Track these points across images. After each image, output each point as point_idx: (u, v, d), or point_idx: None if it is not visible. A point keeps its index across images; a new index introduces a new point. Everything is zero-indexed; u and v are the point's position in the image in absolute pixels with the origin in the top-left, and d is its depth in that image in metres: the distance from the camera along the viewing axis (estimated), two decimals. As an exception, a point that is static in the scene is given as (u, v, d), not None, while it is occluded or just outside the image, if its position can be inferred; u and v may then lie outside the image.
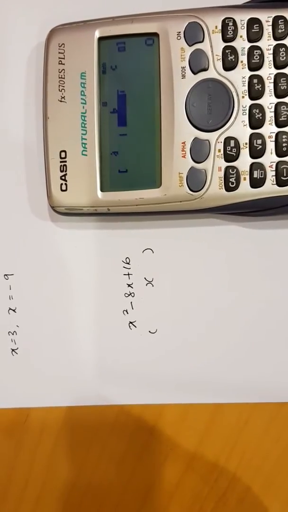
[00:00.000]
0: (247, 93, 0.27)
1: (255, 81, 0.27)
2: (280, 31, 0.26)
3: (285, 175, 0.26)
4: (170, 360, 0.30)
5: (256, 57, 0.26)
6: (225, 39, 0.27)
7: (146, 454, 0.30)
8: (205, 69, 0.27)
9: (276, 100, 0.27)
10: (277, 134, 0.27)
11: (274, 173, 0.27)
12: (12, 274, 0.30)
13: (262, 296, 0.29)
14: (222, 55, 0.27)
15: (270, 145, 0.27)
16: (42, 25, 0.29)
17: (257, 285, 0.29)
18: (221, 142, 0.27)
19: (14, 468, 0.31)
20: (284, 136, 0.26)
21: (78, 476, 0.30)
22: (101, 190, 0.28)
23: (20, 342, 0.30)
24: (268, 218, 0.29)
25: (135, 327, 0.30)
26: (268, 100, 0.27)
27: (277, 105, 0.26)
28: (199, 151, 0.27)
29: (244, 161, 0.27)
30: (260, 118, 0.27)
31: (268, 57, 0.27)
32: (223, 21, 0.27)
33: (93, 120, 0.27)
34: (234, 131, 0.27)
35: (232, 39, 0.27)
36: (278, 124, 0.26)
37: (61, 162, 0.28)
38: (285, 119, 0.26)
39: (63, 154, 0.28)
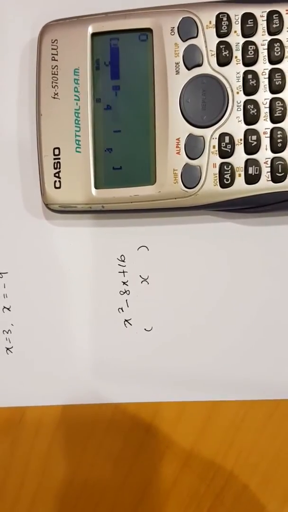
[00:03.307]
0: (241, 89, 0.27)
1: (249, 76, 0.26)
2: (274, 26, 0.26)
3: (280, 171, 0.26)
4: (165, 358, 0.30)
5: (251, 52, 0.26)
6: (219, 34, 0.27)
7: (142, 452, 0.30)
8: (199, 65, 0.27)
9: (270, 96, 0.26)
10: (272, 130, 0.26)
11: (269, 169, 0.26)
12: (7, 272, 0.30)
13: (258, 293, 0.29)
14: (216, 50, 0.27)
15: (265, 141, 0.26)
16: (35, 21, 0.28)
17: (253, 282, 0.29)
18: (215, 138, 0.27)
19: (10, 467, 0.31)
20: (279, 132, 0.26)
21: (75, 475, 0.30)
22: (95, 187, 0.27)
23: (14, 341, 0.30)
24: (263, 214, 0.29)
25: (131, 325, 0.30)
26: (263, 96, 0.26)
27: (272, 101, 0.26)
28: (193, 147, 0.27)
29: (239, 158, 0.27)
30: (255, 114, 0.26)
31: (263, 52, 0.26)
32: (217, 16, 0.26)
33: (86, 116, 0.27)
34: (229, 127, 0.27)
35: (226, 34, 0.26)
36: (273, 119, 0.26)
37: (54, 159, 0.27)
38: (280, 114, 0.26)
39: (56, 151, 0.27)
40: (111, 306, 0.30)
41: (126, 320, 0.30)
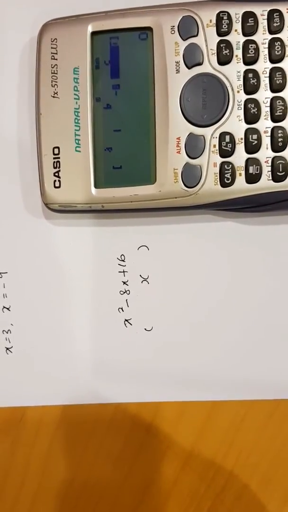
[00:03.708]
0: (242, 88, 0.26)
1: (250, 75, 0.26)
2: (275, 24, 0.26)
3: (281, 170, 0.26)
4: (166, 358, 0.29)
5: (251, 51, 0.26)
6: (219, 33, 0.26)
7: (143, 452, 0.30)
8: (200, 64, 0.27)
9: (271, 95, 0.26)
10: (272, 129, 0.26)
11: (269, 168, 0.26)
12: (6, 272, 0.30)
13: (258, 292, 0.29)
14: (217, 49, 0.26)
15: (266, 140, 0.26)
16: (35, 20, 0.28)
17: (253, 281, 0.29)
18: (216, 137, 0.27)
19: (10, 467, 0.30)
20: (279, 131, 0.26)
21: (75, 475, 0.30)
22: (95, 186, 0.27)
23: (14, 341, 0.30)
24: (264, 214, 0.28)
25: (131, 324, 0.30)
26: (264, 95, 0.26)
27: (273, 100, 0.26)
28: (194, 146, 0.27)
29: (239, 157, 0.26)
30: (256, 113, 0.26)
31: (264, 51, 0.26)
32: (218, 15, 0.26)
33: (86, 116, 0.27)
34: (229, 126, 0.27)
35: (227, 33, 0.26)
36: (274, 119, 0.26)
37: (54, 158, 0.27)
38: (281, 113, 0.26)
39: (56, 151, 0.27)
40: (111, 306, 0.30)
41: (126, 320, 0.30)
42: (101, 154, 0.28)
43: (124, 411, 0.30)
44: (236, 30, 0.26)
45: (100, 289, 0.30)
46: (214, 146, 0.27)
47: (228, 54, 0.26)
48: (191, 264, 0.29)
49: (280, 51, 0.26)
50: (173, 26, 0.27)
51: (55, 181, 0.28)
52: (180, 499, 0.30)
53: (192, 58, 0.27)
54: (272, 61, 0.26)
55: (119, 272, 0.30)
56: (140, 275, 0.30)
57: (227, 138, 0.26)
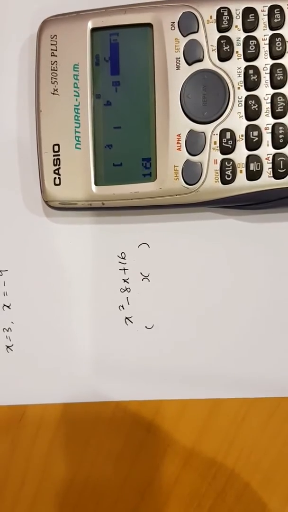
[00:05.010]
0: (242, 84, 0.26)
1: (250, 71, 0.26)
2: (276, 20, 0.26)
3: (281, 167, 0.26)
4: (167, 356, 0.29)
5: (252, 47, 0.26)
6: (220, 29, 0.26)
7: (143, 451, 0.30)
8: (200, 60, 0.26)
9: (272, 91, 0.26)
10: (273, 126, 0.26)
11: (270, 165, 0.26)
12: (6, 270, 0.30)
13: (260, 290, 0.29)
14: (217, 45, 0.26)
15: (267, 137, 0.26)
16: (34, 16, 0.28)
17: (255, 278, 0.29)
18: (216, 134, 0.26)
19: (10, 466, 0.30)
20: (280, 128, 0.26)
21: (75, 474, 0.30)
22: (96, 184, 0.27)
23: (15, 339, 0.30)
24: (265, 211, 0.28)
25: (131, 322, 0.30)
26: (264, 91, 0.26)
27: (273, 96, 0.26)
28: (194, 143, 0.27)
29: (240, 154, 0.26)
30: (256, 109, 0.26)
31: (264, 47, 0.26)
32: (218, 10, 0.26)
33: (86, 113, 0.27)
34: (230, 122, 0.26)
35: (227, 29, 0.26)
36: (275, 115, 0.26)
37: (54, 156, 0.27)
38: (282, 110, 0.26)
39: (56, 148, 0.27)
40: (111, 304, 0.30)
41: (127, 318, 0.30)
42: (101, 151, 0.27)
43: (124, 409, 0.30)
44: (236, 26, 0.26)
45: (100, 287, 0.30)
46: (215, 143, 0.26)
47: (228, 50, 0.26)
48: (192, 261, 0.29)
49: (280, 47, 0.26)
50: (173, 22, 0.26)
51: (55, 178, 0.27)
52: (181, 498, 0.30)
53: (192, 54, 0.26)
54: (272, 57, 0.26)
55: (120, 269, 0.30)
56: (141, 273, 0.29)
57: (228, 135, 0.26)
